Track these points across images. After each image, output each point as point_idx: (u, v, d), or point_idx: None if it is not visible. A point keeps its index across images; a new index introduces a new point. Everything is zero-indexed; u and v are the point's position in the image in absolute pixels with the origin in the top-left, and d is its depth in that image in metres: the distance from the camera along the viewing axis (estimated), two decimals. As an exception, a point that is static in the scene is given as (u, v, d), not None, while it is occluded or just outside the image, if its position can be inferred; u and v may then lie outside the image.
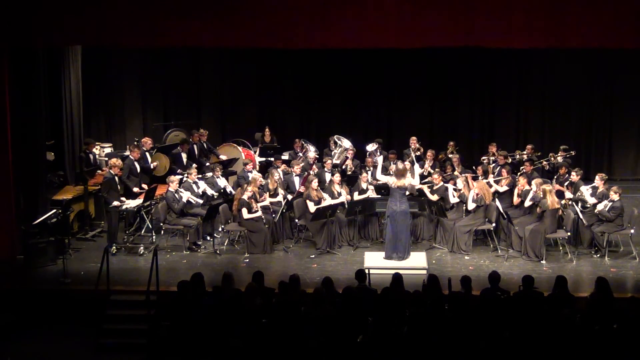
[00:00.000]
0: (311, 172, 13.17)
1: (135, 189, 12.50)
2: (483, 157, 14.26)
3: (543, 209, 11.37)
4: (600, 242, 11.62)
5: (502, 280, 8.98)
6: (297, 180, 13.01)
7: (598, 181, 11.94)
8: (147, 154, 13.44)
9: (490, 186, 12.39)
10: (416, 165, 12.13)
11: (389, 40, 11.43)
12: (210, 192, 12.45)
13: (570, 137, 16.06)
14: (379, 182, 12.19)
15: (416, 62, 15.90)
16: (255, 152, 15.24)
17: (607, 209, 11.40)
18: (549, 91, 16.68)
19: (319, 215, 11.78)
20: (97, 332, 9.79)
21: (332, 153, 14.70)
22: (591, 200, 11.81)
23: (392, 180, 11.19)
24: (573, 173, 12.48)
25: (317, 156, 14.52)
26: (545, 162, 13.86)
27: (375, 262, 11.08)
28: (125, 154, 14.21)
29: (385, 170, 12.09)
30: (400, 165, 11.54)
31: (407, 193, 11.86)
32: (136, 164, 12.83)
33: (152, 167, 13.22)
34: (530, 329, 7.84)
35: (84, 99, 14.59)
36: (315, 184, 12.14)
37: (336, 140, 14.83)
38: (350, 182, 13.13)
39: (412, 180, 11.35)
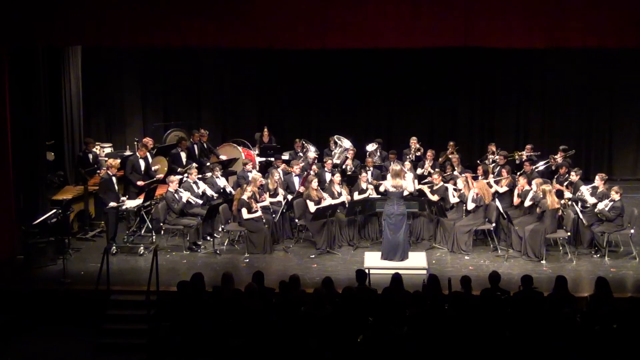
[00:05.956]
0: (311, 172, 13.17)
1: (140, 183, 12.53)
2: (483, 158, 14.30)
3: (543, 209, 11.37)
4: (600, 242, 11.62)
5: (502, 280, 8.97)
6: (297, 180, 13.01)
7: (598, 181, 11.94)
8: (148, 154, 13.44)
9: (490, 186, 12.39)
10: (409, 174, 12.18)
11: (389, 40, 11.44)
12: (210, 192, 12.45)
13: (570, 137, 16.04)
14: (378, 183, 12.22)
15: (416, 62, 15.89)
16: (255, 152, 15.24)
17: (607, 208, 11.40)
18: (549, 91, 16.68)
19: (319, 215, 11.78)
20: (97, 332, 9.79)
21: (332, 153, 14.71)
22: (591, 200, 11.80)
23: (388, 183, 11.21)
24: (573, 173, 12.48)
25: (317, 156, 14.53)
26: (552, 162, 13.82)
27: (375, 262, 11.08)
28: (125, 153, 14.22)
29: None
30: (396, 166, 11.54)
31: (407, 193, 11.89)
32: (141, 161, 12.84)
33: (153, 169, 13.22)
34: (530, 329, 7.84)
35: (84, 99, 14.61)
36: (315, 184, 12.14)
37: (336, 140, 14.84)
38: (350, 182, 13.13)
39: (409, 183, 11.33)
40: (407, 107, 16.90)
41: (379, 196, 12.18)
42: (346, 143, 14.65)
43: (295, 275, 9.06)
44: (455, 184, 12.41)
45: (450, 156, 14.06)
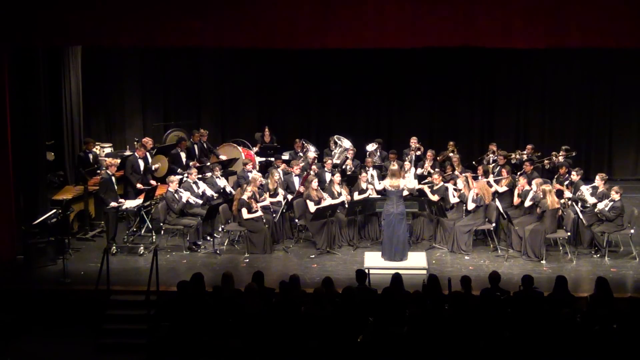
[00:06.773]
0: (311, 172, 13.17)
1: (139, 185, 12.53)
2: (483, 156, 14.31)
3: (543, 209, 11.37)
4: (600, 242, 11.62)
5: (502, 280, 8.98)
6: (297, 180, 13.01)
7: (598, 181, 11.94)
8: (148, 154, 13.44)
9: (491, 186, 12.39)
10: (409, 173, 12.19)
11: (389, 40, 11.43)
12: (209, 192, 12.45)
13: (570, 137, 16.06)
14: (379, 184, 12.24)
15: (416, 62, 15.89)
16: (255, 152, 15.24)
17: (607, 208, 11.40)
18: (549, 91, 16.68)
19: (319, 215, 11.78)
20: (97, 332, 9.79)
21: (332, 153, 14.71)
22: (591, 200, 11.80)
23: (387, 183, 11.22)
24: (573, 173, 12.49)
25: (317, 156, 14.53)
26: (547, 161, 13.86)
27: (375, 262, 11.08)
28: (125, 153, 14.22)
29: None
30: (393, 166, 11.55)
31: (406, 193, 11.90)
32: (140, 161, 12.83)
33: (153, 168, 13.23)
34: (530, 329, 7.84)
35: (84, 99, 14.60)
36: (315, 184, 12.14)
37: (336, 140, 14.84)
38: (350, 182, 13.13)
39: (408, 182, 11.32)
40: (407, 107, 16.90)
41: (379, 196, 12.18)
42: (346, 143, 14.65)
43: (295, 275, 9.06)
44: (455, 184, 12.41)
45: (450, 156, 14.07)
